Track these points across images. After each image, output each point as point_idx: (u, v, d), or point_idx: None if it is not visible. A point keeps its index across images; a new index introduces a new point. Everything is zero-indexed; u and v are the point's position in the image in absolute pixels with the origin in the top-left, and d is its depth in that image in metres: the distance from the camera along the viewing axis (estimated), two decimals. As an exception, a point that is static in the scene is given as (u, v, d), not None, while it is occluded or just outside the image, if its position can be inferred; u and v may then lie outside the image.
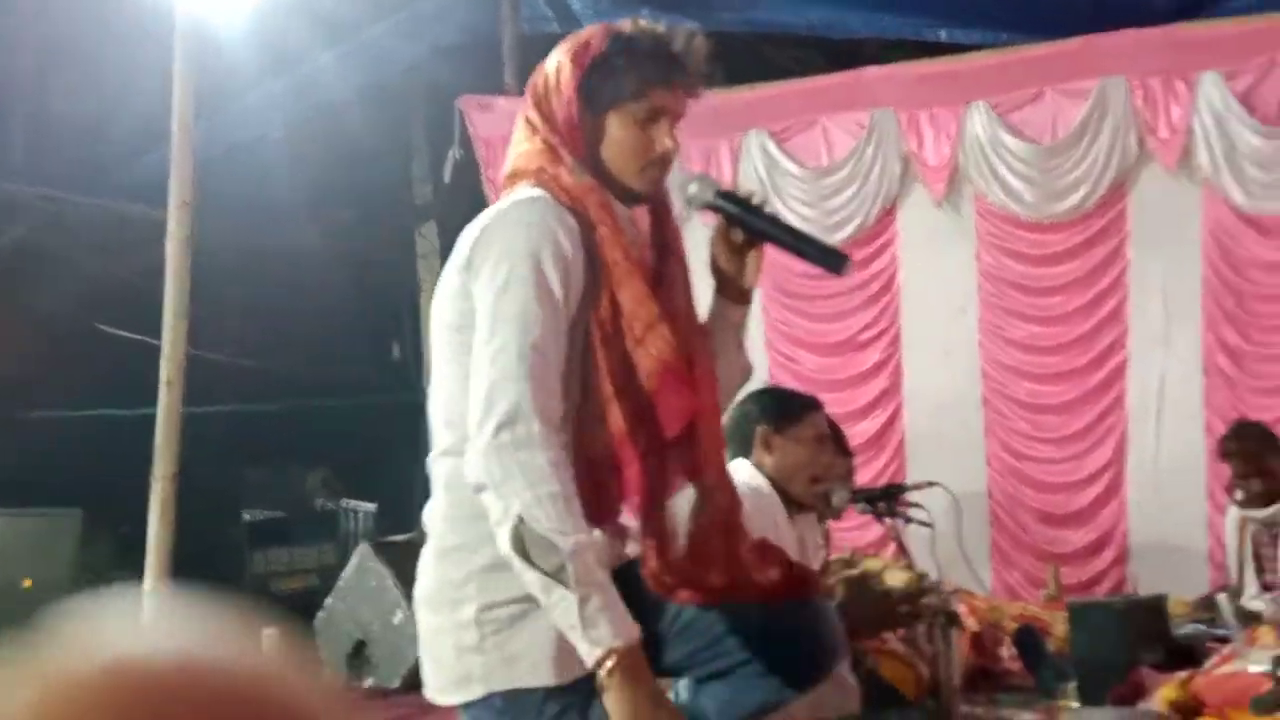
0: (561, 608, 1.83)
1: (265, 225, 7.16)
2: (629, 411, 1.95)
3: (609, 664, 1.82)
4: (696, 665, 2.11)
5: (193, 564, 4.87)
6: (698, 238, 2.25)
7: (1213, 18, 5.92)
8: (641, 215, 2.10)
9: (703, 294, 2.15)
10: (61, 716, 0.48)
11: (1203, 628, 4.46)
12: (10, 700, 0.49)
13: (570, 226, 1.96)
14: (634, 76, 2.00)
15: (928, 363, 6.16)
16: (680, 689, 2.17)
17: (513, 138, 2.10)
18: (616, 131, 2.02)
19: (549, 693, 1.92)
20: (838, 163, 6.18)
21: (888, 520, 3.29)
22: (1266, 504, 4.78)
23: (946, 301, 6.12)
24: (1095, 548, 5.94)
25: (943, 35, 6.31)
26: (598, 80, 2.01)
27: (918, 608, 3.20)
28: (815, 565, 3.06)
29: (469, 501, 1.91)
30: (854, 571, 4.15)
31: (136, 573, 4.76)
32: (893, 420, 6.22)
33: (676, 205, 2.14)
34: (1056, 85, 5.89)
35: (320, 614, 5.74)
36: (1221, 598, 4.61)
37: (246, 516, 7.60)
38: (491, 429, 1.86)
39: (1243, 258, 5.74)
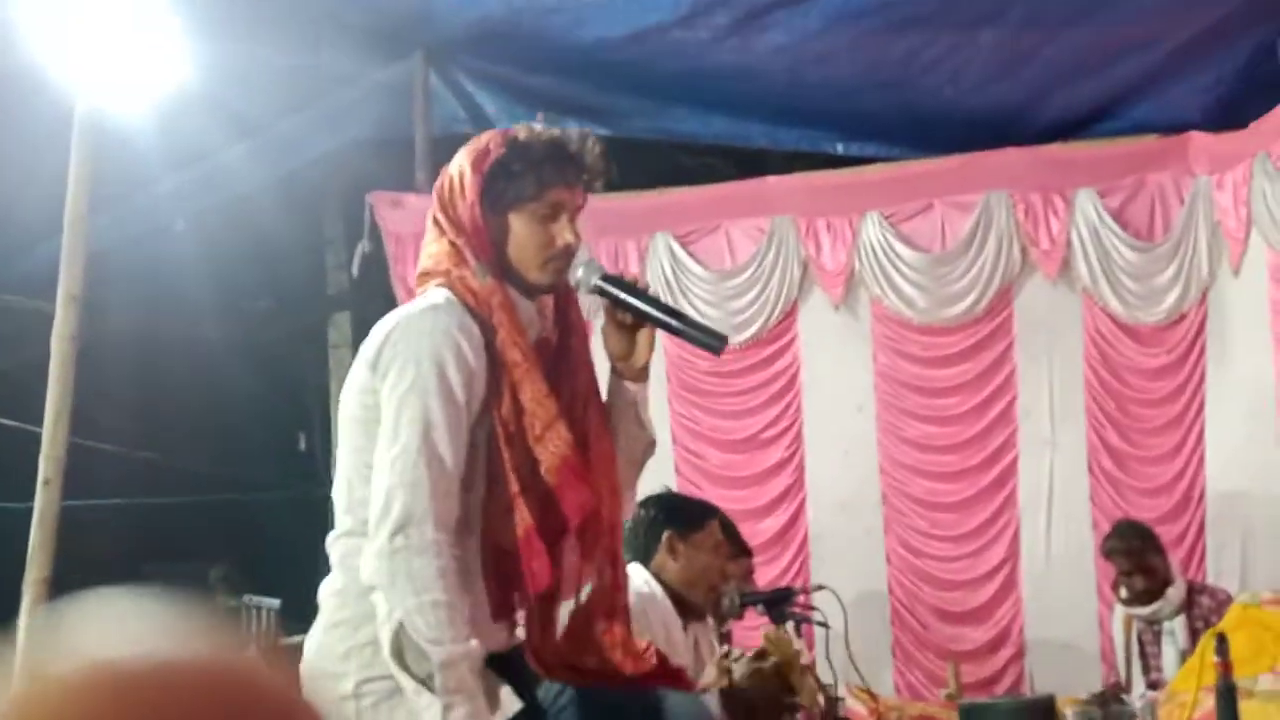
0: (430, 713, 1.91)
1: (170, 316, 7.08)
2: (534, 505, 2.03)
3: None
4: None
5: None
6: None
7: (1088, 138, 6.22)
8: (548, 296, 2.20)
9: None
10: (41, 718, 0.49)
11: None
12: None
13: (473, 332, 2.05)
14: (532, 178, 2.12)
15: (829, 460, 6.21)
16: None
17: (425, 236, 2.20)
18: (519, 229, 2.12)
19: None
20: (740, 265, 6.28)
21: (784, 625, 3.36)
22: (1149, 601, 4.84)
23: (846, 401, 6.20)
24: (993, 645, 5.98)
25: (839, 148, 6.57)
26: (499, 184, 2.12)
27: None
28: (710, 669, 3.11)
29: (360, 580, 1.99)
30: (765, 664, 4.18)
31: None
32: (796, 517, 6.22)
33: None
34: (945, 198, 6.11)
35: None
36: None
37: (142, 613, 7.40)
38: (387, 533, 1.95)
39: (1121, 364, 5.96)
